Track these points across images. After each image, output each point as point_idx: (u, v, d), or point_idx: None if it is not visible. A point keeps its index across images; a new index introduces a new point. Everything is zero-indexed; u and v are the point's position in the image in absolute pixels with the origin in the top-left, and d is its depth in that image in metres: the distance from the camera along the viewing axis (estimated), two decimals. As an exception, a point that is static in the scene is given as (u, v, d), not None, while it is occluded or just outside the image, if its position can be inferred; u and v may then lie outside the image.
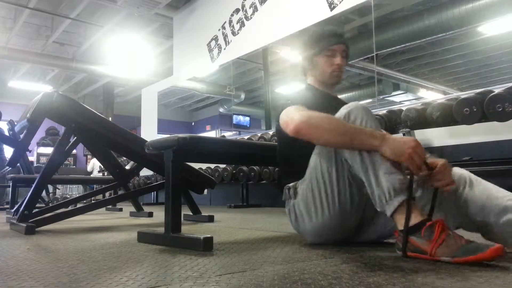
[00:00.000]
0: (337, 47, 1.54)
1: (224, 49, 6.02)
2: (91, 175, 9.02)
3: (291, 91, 8.52)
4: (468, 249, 1.03)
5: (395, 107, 3.54)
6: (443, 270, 0.97)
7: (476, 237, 1.13)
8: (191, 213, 2.96)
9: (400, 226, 1.15)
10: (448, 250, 1.05)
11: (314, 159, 1.35)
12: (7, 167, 4.95)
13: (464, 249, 1.04)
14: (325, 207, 1.32)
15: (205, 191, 3.34)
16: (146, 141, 1.77)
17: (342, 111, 1.25)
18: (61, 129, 8.27)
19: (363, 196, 1.28)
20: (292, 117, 1.28)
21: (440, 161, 1.22)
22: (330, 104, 1.50)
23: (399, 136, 1.30)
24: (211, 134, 11.39)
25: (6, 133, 3.97)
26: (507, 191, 1.24)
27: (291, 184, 1.45)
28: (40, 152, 10.46)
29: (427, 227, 1.09)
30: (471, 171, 1.33)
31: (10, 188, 4.26)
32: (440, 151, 3.17)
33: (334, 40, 1.55)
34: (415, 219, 1.12)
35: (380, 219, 1.37)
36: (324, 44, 1.54)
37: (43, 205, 4.12)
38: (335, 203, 1.30)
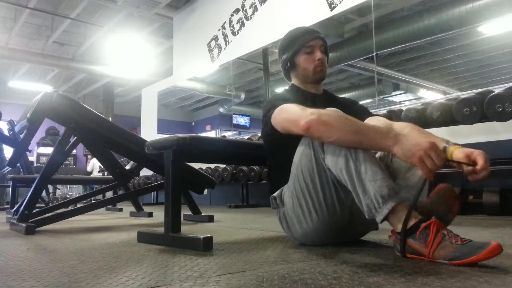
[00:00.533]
0: (314, 43, 1.52)
1: (224, 49, 6.02)
2: (91, 175, 9.02)
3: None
4: (464, 251, 1.01)
5: (395, 107, 3.54)
6: (443, 270, 0.97)
7: (476, 237, 1.13)
8: (191, 213, 2.96)
9: (396, 228, 1.14)
10: (444, 252, 1.04)
11: (295, 167, 1.34)
12: (7, 167, 4.95)
13: (461, 250, 1.02)
14: (313, 212, 1.32)
15: (205, 191, 3.34)
16: (146, 141, 1.77)
17: None
18: (61, 129, 8.27)
19: (350, 195, 1.26)
20: (300, 115, 1.23)
21: (480, 156, 1.10)
22: (312, 103, 1.48)
23: (416, 135, 1.24)
24: (211, 134, 11.40)
25: (6, 133, 3.97)
26: None
27: (276, 194, 1.46)
28: (40, 152, 10.46)
29: (421, 230, 1.08)
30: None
31: (10, 188, 4.26)
32: (440, 151, 3.16)
33: (310, 36, 1.52)
34: (410, 221, 1.11)
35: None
36: (301, 42, 1.52)
37: (43, 205, 4.12)
38: (322, 208, 1.30)
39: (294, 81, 1.63)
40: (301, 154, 1.32)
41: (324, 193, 1.29)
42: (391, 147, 1.10)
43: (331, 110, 1.21)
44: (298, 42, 1.52)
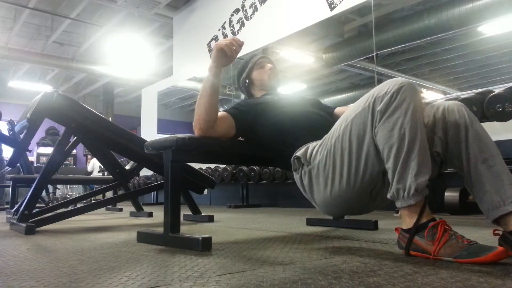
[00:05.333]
0: (263, 60, 1.89)
1: (224, 49, 6.02)
2: (91, 175, 9.02)
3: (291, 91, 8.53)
4: (471, 251, 1.04)
5: (395, 107, 3.53)
6: (444, 270, 0.97)
7: (477, 237, 1.13)
8: (191, 213, 2.96)
9: (404, 225, 1.17)
10: (450, 250, 1.07)
11: (343, 125, 1.27)
12: (7, 167, 4.95)
13: (467, 249, 1.05)
14: (345, 177, 1.27)
15: (205, 191, 3.34)
16: (146, 141, 1.77)
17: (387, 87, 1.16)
18: (61, 129, 8.26)
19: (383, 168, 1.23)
20: None
21: None
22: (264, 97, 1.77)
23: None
24: (211, 134, 11.36)
25: (6, 133, 3.96)
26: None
27: (299, 153, 1.42)
28: (40, 152, 10.47)
29: (429, 228, 1.11)
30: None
31: (10, 188, 4.26)
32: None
33: (258, 56, 1.91)
34: (422, 219, 1.13)
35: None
36: (252, 61, 1.88)
37: (43, 205, 4.12)
38: (358, 175, 1.25)
39: (255, 94, 1.89)
40: (355, 115, 1.24)
41: (366, 161, 1.23)
42: (212, 68, 1.51)
43: None
44: (250, 62, 1.89)
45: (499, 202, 1.15)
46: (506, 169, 1.20)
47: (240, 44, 1.53)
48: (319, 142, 1.40)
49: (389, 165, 1.16)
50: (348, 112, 1.29)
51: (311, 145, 1.42)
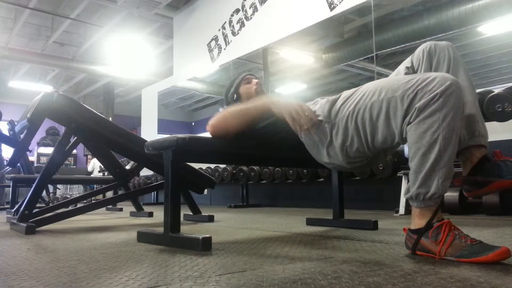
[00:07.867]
0: (249, 76, 1.98)
1: (224, 49, 6.02)
2: (92, 175, 9.02)
3: (289, 91, 8.55)
4: (474, 250, 1.05)
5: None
6: (443, 270, 0.97)
7: (476, 237, 1.13)
8: (191, 213, 2.96)
9: (413, 226, 1.19)
10: (453, 250, 1.08)
11: (371, 103, 1.24)
12: (7, 167, 4.95)
13: (470, 249, 1.06)
14: (364, 141, 1.29)
15: (205, 191, 3.34)
16: (146, 141, 1.77)
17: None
18: (61, 129, 8.27)
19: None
20: (212, 119, 1.55)
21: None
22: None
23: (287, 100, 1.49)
24: (211, 134, 11.37)
25: (6, 133, 3.96)
26: None
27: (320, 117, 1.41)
28: (40, 152, 10.48)
29: (434, 229, 1.12)
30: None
31: (11, 188, 4.27)
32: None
33: (245, 73, 2.01)
34: (433, 221, 1.14)
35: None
36: (240, 78, 1.98)
37: (44, 205, 4.12)
38: (375, 144, 1.27)
39: None
40: (392, 97, 1.18)
41: (386, 136, 1.23)
42: (269, 104, 1.43)
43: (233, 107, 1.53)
44: (238, 78, 1.98)
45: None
46: None
47: (310, 118, 1.36)
48: (337, 99, 1.38)
49: (411, 165, 1.16)
50: (385, 86, 1.22)
51: (321, 102, 1.44)
